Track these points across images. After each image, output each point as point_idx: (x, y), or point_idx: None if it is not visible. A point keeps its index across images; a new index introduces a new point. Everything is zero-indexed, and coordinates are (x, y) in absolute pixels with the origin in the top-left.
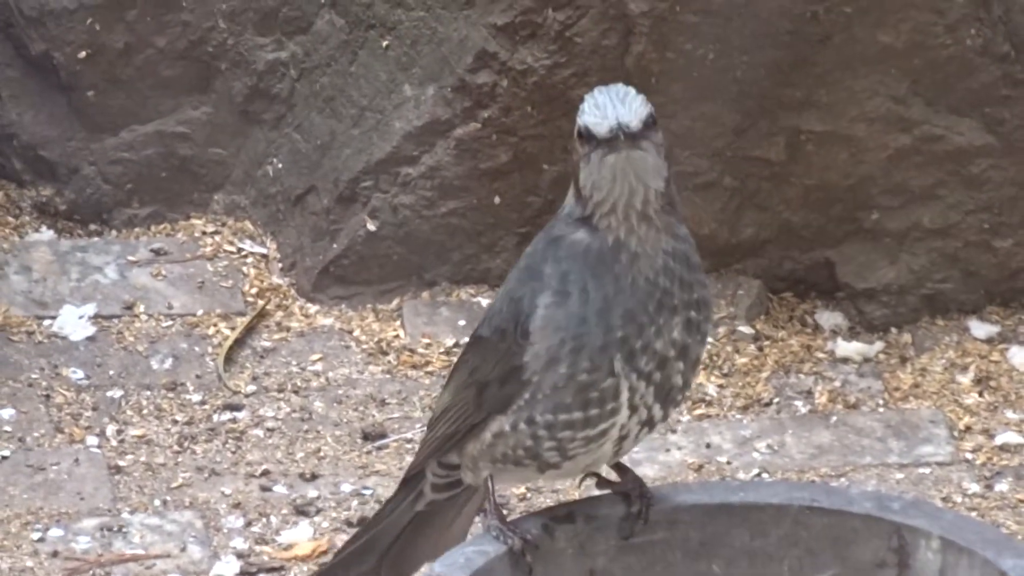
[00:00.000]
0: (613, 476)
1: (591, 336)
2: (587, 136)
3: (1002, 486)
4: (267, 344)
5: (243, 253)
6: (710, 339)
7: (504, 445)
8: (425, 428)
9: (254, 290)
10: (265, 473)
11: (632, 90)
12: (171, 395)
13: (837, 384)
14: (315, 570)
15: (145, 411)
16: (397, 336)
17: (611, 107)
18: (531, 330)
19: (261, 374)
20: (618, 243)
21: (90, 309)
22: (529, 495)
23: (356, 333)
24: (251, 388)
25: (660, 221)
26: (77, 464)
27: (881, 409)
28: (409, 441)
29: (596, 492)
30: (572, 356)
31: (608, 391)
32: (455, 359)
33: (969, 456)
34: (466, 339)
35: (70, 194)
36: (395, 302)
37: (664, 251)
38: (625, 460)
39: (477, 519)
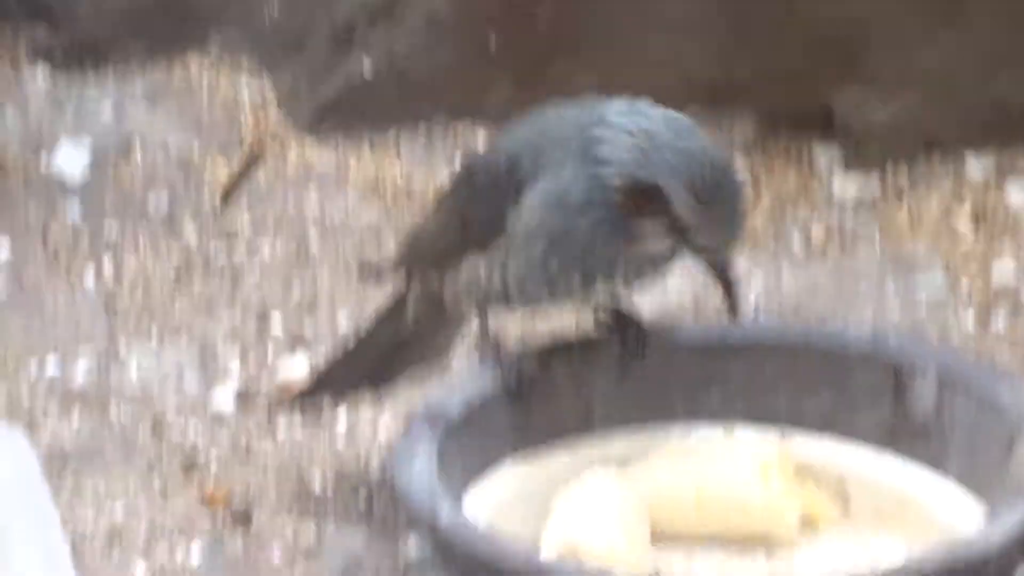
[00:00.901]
0: (610, 311)
1: (567, 251)
2: (675, 226)
3: (998, 322)
4: (264, 182)
5: (239, 90)
6: None
7: (476, 286)
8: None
9: (251, 127)
10: (262, 307)
11: (729, 171)
12: (167, 232)
13: (834, 222)
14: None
15: (141, 248)
16: (394, 173)
17: (731, 223)
18: (522, 199)
19: (258, 212)
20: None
21: (87, 148)
22: (525, 330)
23: (352, 171)
24: (248, 226)
25: None
26: (74, 301)
27: (878, 246)
28: None
29: (593, 326)
30: (549, 248)
31: (576, 291)
32: None
33: (965, 293)
34: None
35: (67, 33)
36: (391, 140)
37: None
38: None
39: (472, 347)
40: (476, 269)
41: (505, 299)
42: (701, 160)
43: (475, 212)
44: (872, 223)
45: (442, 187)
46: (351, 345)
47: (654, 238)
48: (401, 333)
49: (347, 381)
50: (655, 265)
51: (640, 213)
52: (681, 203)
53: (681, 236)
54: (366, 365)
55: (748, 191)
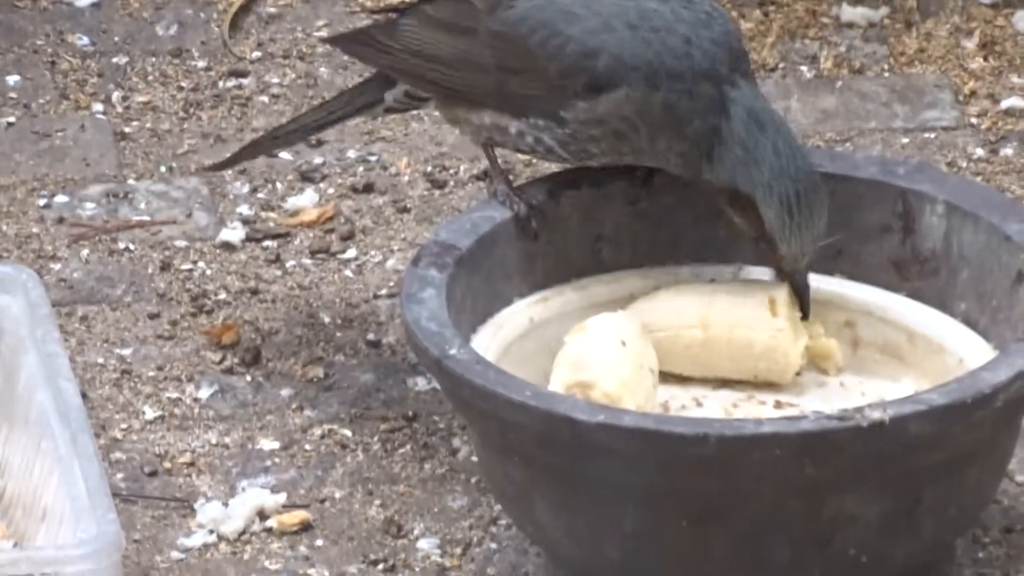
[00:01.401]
0: None
1: (628, 143)
2: (763, 231)
3: (1007, 150)
4: (272, 10)
5: None
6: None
7: (499, 135)
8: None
9: None
10: None
11: (820, 197)
12: (176, 61)
13: (842, 49)
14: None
15: (150, 78)
16: (404, 1)
17: (815, 239)
18: (601, 96)
19: (266, 40)
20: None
21: None
22: (534, 161)
23: None
24: (256, 54)
25: None
26: (83, 131)
27: (886, 74)
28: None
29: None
30: (613, 139)
31: (604, 161)
32: None
33: (974, 120)
34: None
35: None
36: None
37: None
38: None
39: (482, 185)
40: (504, 127)
41: (527, 153)
42: (798, 175)
43: (521, 89)
44: (881, 50)
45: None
46: (310, 116)
47: (743, 229)
48: (366, 114)
49: (284, 144)
50: None
51: (733, 207)
52: (772, 217)
53: (766, 242)
54: (316, 131)
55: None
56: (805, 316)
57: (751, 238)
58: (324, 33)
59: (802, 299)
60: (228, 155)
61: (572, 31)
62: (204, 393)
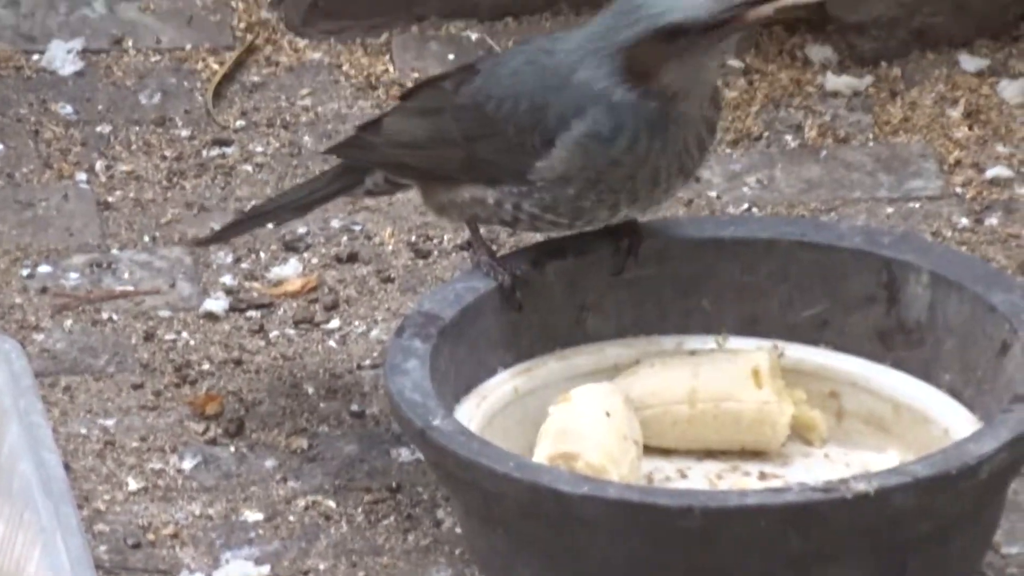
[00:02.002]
0: None
1: (612, 180)
2: (682, 31)
3: (992, 220)
4: (256, 79)
5: None
6: None
7: (480, 209)
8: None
9: (243, 24)
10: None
11: None
12: (160, 130)
13: (827, 118)
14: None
15: (134, 146)
16: (386, 70)
17: None
18: (555, 145)
19: (250, 109)
20: (677, 114)
21: (79, 43)
22: (517, 232)
23: (345, 67)
24: (240, 123)
25: (710, 99)
26: (66, 200)
27: (871, 143)
28: None
29: (595, 226)
30: (585, 185)
31: (603, 216)
32: None
33: (959, 190)
34: None
35: None
36: (384, 36)
37: (704, 119)
38: None
39: (466, 255)
40: (482, 200)
41: (511, 226)
42: None
43: (488, 155)
44: (865, 119)
45: (429, 94)
46: (288, 199)
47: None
48: (346, 197)
49: (266, 223)
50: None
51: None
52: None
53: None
54: (295, 214)
55: None
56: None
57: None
58: (308, 102)
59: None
60: (214, 229)
61: (523, 91)
62: (188, 464)
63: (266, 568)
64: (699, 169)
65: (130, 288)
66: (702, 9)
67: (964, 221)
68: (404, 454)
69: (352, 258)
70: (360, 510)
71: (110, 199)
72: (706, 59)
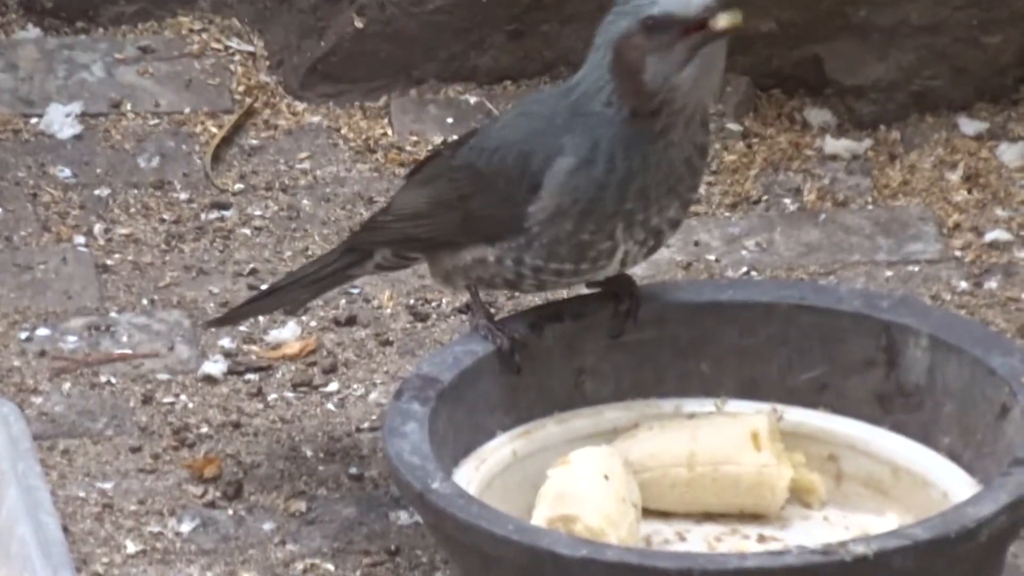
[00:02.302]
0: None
1: (604, 204)
2: (664, 25)
3: (991, 283)
4: (254, 142)
5: (230, 51)
6: None
7: (483, 270)
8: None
9: (241, 88)
10: (253, 272)
11: None
12: (159, 193)
13: (826, 181)
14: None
15: (132, 210)
16: (385, 134)
17: None
18: (543, 186)
19: (249, 172)
20: (664, 135)
21: (77, 107)
22: (516, 294)
23: (344, 131)
24: (239, 186)
25: (700, 121)
26: (65, 263)
27: (870, 207)
28: None
29: (585, 291)
30: (580, 217)
31: (604, 251)
32: None
33: (958, 253)
34: (453, 137)
35: None
36: (383, 100)
37: (694, 143)
38: None
39: (465, 318)
40: (484, 259)
41: (515, 285)
42: None
43: (483, 211)
44: (864, 182)
45: (425, 167)
46: (296, 280)
47: (660, 65)
48: (356, 274)
49: (276, 306)
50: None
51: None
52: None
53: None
54: (305, 295)
55: None
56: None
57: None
58: (306, 165)
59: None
60: (227, 312)
61: (510, 142)
62: (186, 527)
63: None
64: (693, 193)
65: (128, 351)
66: (681, 6)
67: (963, 284)
68: (403, 517)
69: (351, 321)
70: (359, 573)
71: (108, 262)
72: (687, 67)
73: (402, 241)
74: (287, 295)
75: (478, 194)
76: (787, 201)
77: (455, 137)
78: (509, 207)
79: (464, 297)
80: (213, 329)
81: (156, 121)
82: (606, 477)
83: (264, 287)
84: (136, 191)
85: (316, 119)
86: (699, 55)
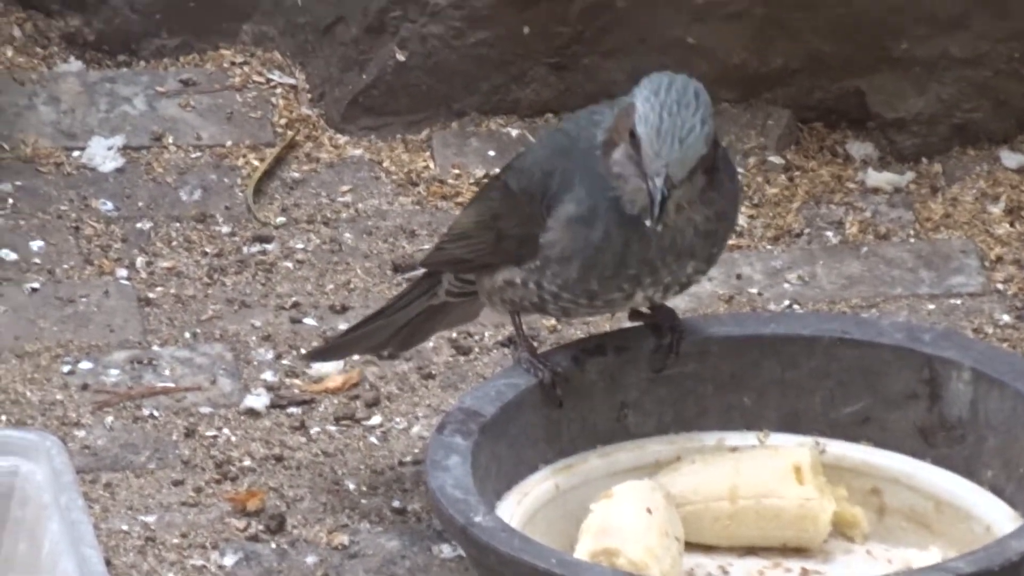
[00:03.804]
0: (645, 308)
1: (605, 266)
2: (635, 144)
3: None
4: (296, 175)
5: (272, 84)
6: (740, 169)
7: (513, 292)
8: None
9: (283, 121)
10: (295, 305)
11: (697, 102)
12: (200, 227)
13: (868, 214)
14: (319, 346)
15: (174, 243)
16: (427, 167)
17: (669, 144)
18: (551, 217)
19: (290, 205)
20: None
21: (119, 140)
22: (559, 327)
23: (386, 164)
24: (280, 219)
25: (696, 205)
26: (107, 296)
27: (912, 239)
28: None
29: (628, 324)
30: (582, 271)
31: (617, 299)
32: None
33: (1000, 286)
34: (496, 170)
35: (99, 24)
36: (424, 133)
37: (694, 222)
38: None
39: (507, 351)
40: (512, 281)
41: (542, 309)
42: (675, 82)
43: (511, 230)
44: (906, 215)
45: (480, 189)
46: (378, 316)
47: (624, 165)
48: (433, 304)
49: (370, 343)
50: (692, 255)
51: (619, 139)
52: (641, 99)
53: (633, 147)
54: (392, 330)
55: (706, 132)
56: (654, 222)
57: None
58: (348, 198)
59: (652, 204)
60: (324, 345)
61: (537, 163)
62: (229, 560)
63: None
64: (714, 249)
65: (171, 384)
66: (658, 154)
67: (1006, 318)
68: (446, 551)
69: (393, 355)
70: None
71: (151, 295)
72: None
73: (452, 263)
74: (376, 334)
75: (508, 214)
76: (829, 234)
77: (498, 169)
78: (529, 227)
79: (505, 330)
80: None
81: (198, 154)
82: (649, 511)
83: (346, 326)
84: (178, 224)
85: (358, 152)
86: (647, 189)
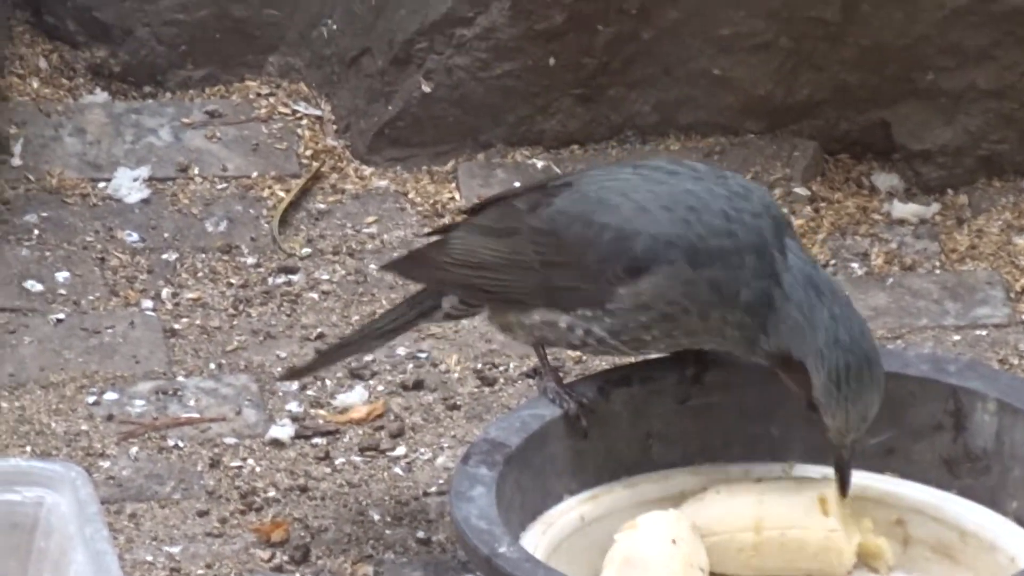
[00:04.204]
0: None
1: (685, 323)
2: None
3: None
4: (322, 206)
5: (298, 115)
6: None
7: (550, 332)
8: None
9: (309, 152)
10: (320, 336)
11: (872, 373)
12: (226, 258)
13: (893, 246)
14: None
15: (200, 274)
16: (452, 198)
17: (856, 427)
18: (642, 278)
19: (316, 236)
20: None
21: (144, 171)
22: (584, 358)
23: (411, 195)
24: (306, 251)
25: None
26: (132, 327)
27: (938, 271)
28: None
29: (653, 355)
30: (658, 316)
31: (660, 348)
32: None
33: None
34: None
35: (124, 56)
36: (450, 164)
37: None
38: None
39: (532, 382)
40: (554, 323)
41: (577, 348)
42: (853, 346)
43: (565, 282)
44: (932, 247)
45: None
46: (371, 329)
47: (797, 394)
48: (430, 323)
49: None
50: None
51: (786, 371)
52: (820, 387)
53: (814, 411)
54: (381, 344)
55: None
56: (843, 493)
57: (804, 404)
58: (374, 229)
59: (842, 476)
60: (299, 365)
61: (607, 219)
62: None
63: None
64: None
65: (196, 415)
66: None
67: None
68: None
69: (418, 385)
70: None
71: (176, 326)
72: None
73: (465, 288)
74: (361, 347)
75: (563, 266)
76: (855, 265)
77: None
78: (597, 283)
79: (529, 360)
80: (284, 383)
81: (223, 185)
82: (674, 541)
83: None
84: (203, 255)
85: (383, 183)
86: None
